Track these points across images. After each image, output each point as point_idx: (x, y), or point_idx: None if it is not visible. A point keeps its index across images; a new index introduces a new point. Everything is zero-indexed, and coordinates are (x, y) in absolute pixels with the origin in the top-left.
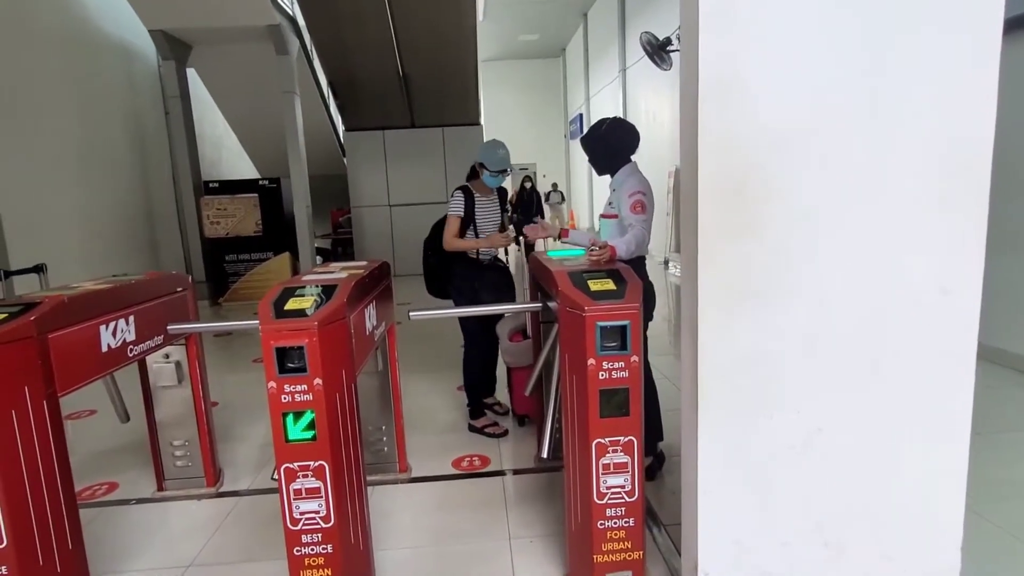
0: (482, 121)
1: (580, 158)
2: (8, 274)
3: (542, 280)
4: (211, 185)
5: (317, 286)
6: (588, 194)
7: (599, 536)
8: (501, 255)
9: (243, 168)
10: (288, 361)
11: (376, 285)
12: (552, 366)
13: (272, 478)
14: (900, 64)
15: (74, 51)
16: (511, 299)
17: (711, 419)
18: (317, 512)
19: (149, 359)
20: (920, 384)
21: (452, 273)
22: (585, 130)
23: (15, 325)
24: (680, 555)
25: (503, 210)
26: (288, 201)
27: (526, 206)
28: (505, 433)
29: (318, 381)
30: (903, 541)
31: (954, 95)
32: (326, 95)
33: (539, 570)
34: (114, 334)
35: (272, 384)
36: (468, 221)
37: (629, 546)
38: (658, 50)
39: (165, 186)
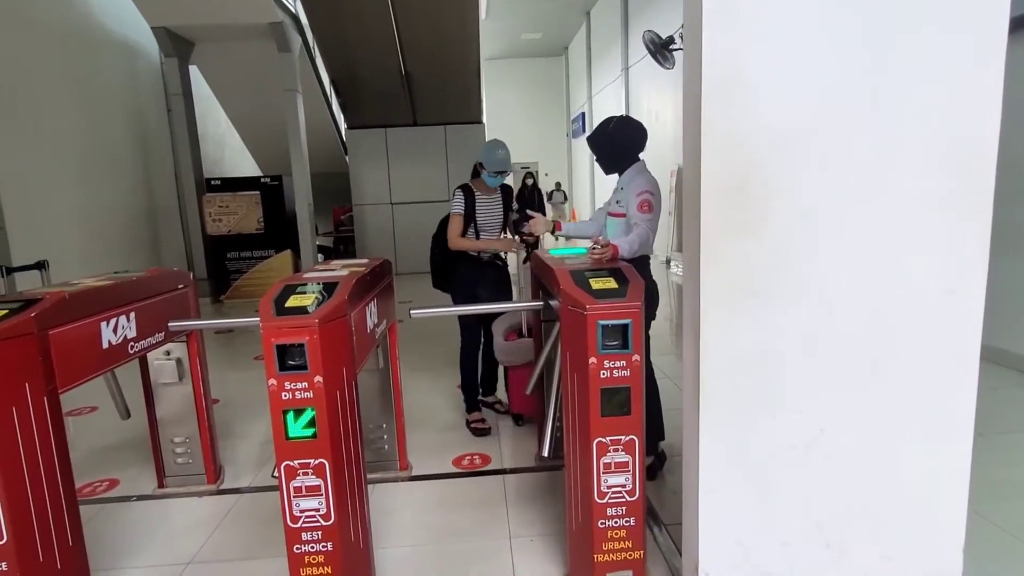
0: (484, 119)
1: (582, 157)
2: (10, 271)
3: (544, 278)
4: (213, 182)
5: (318, 283)
6: (590, 193)
7: (600, 535)
8: (502, 253)
9: (245, 166)
10: (289, 358)
11: (377, 283)
12: (553, 365)
13: (272, 475)
14: (903, 63)
15: (77, 48)
16: (508, 298)
17: (713, 419)
18: (317, 510)
19: (150, 356)
20: (922, 384)
21: (454, 269)
22: (587, 129)
23: (16, 321)
24: (681, 555)
25: (509, 208)
26: (290, 199)
27: (527, 204)
28: (488, 432)
29: (319, 379)
30: (904, 542)
31: (958, 94)
32: (328, 93)
33: (539, 569)
34: (115, 331)
35: (273, 381)
36: (469, 219)
37: (630, 545)
38: (661, 49)
39: (167, 183)
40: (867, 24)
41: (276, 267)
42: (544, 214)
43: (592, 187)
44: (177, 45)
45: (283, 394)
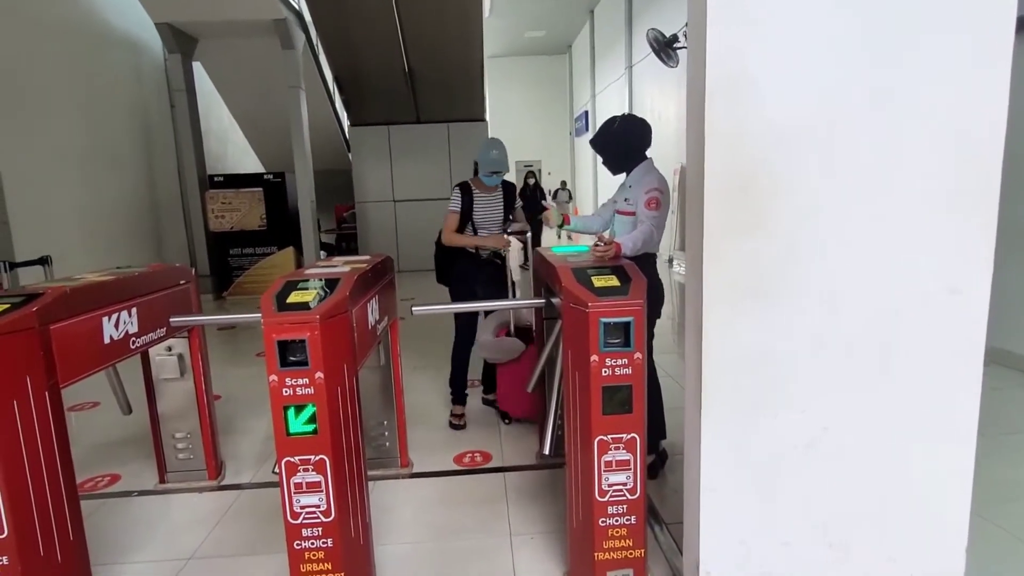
0: (487, 117)
1: (585, 156)
2: (13, 266)
3: (546, 276)
4: (216, 179)
5: (320, 279)
6: (593, 191)
7: (600, 533)
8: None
9: (248, 163)
10: (290, 354)
11: (379, 279)
12: (555, 362)
13: (273, 472)
14: (909, 62)
15: (80, 44)
16: (502, 295)
17: (714, 417)
18: (317, 506)
19: (152, 351)
20: (927, 384)
21: (452, 266)
22: (590, 128)
23: (17, 316)
24: (682, 554)
25: (511, 206)
26: (293, 196)
27: (529, 203)
28: (462, 428)
29: (320, 375)
30: (908, 543)
31: (964, 93)
32: (331, 90)
33: (540, 567)
34: (116, 326)
35: (273, 377)
36: (467, 217)
37: (630, 544)
38: (665, 47)
39: (170, 180)
40: (872, 23)
41: (279, 264)
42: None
43: (595, 186)
44: (181, 41)
45: (284, 390)
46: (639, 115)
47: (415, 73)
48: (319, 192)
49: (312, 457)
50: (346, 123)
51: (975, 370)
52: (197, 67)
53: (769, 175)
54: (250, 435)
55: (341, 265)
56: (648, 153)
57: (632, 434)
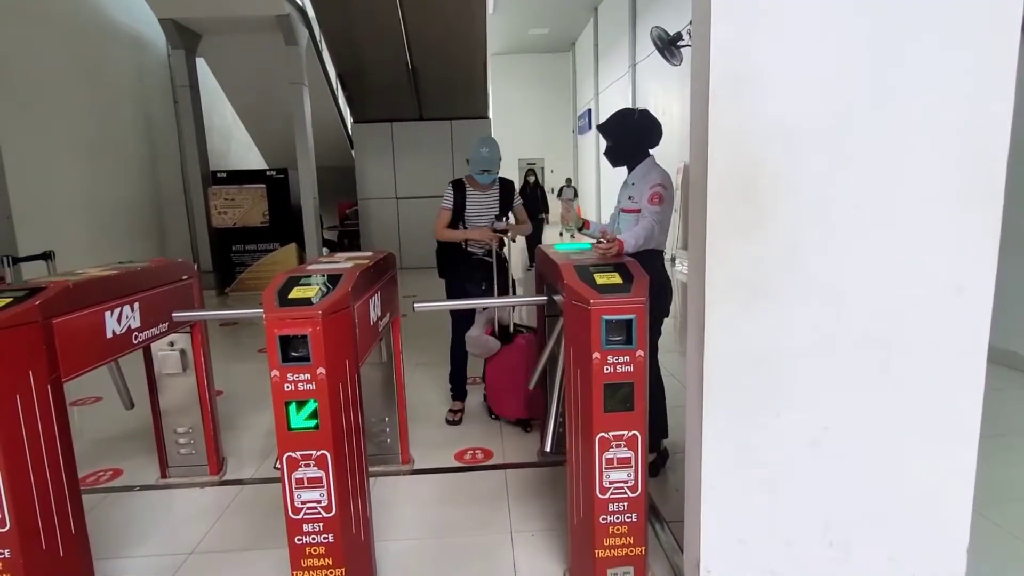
0: (490, 115)
1: (588, 154)
2: (16, 260)
3: (548, 273)
4: (219, 175)
5: (322, 275)
6: (596, 190)
7: (601, 531)
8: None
9: (251, 159)
10: (292, 350)
11: (381, 276)
12: (557, 360)
13: (275, 467)
14: (915, 60)
15: (84, 40)
16: (488, 293)
17: (716, 416)
18: (319, 501)
19: (154, 346)
20: (929, 384)
21: (446, 263)
22: (593, 126)
23: (20, 309)
24: (682, 552)
25: (508, 203)
26: (295, 192)
27: (530, 201)
28: (457, 423)
29: (321, 370)
30: (909, 542)
31: (970, 92)
32: (335, 86)
33: (540, 564)
34: (119, 320)
35: (275, 372)
36: (459, 213)
37: (631, 541)
38: (669, 45)
39: (173, 175)
40: (879, 20)
41: (281, 260)
42: (546, 211)
43: (598, 184)
44: (184, 37)
45: (286, 385)
46: None
47: (418, 70)
48: (322, 189)
49: (313, 452)
50: (349, 120)
51: (978, 370)
52: (201, 63)
53: (773, 173)
54: (252, 431)
55: (343, 261)
56: (651, 152)
57: (633, 431)
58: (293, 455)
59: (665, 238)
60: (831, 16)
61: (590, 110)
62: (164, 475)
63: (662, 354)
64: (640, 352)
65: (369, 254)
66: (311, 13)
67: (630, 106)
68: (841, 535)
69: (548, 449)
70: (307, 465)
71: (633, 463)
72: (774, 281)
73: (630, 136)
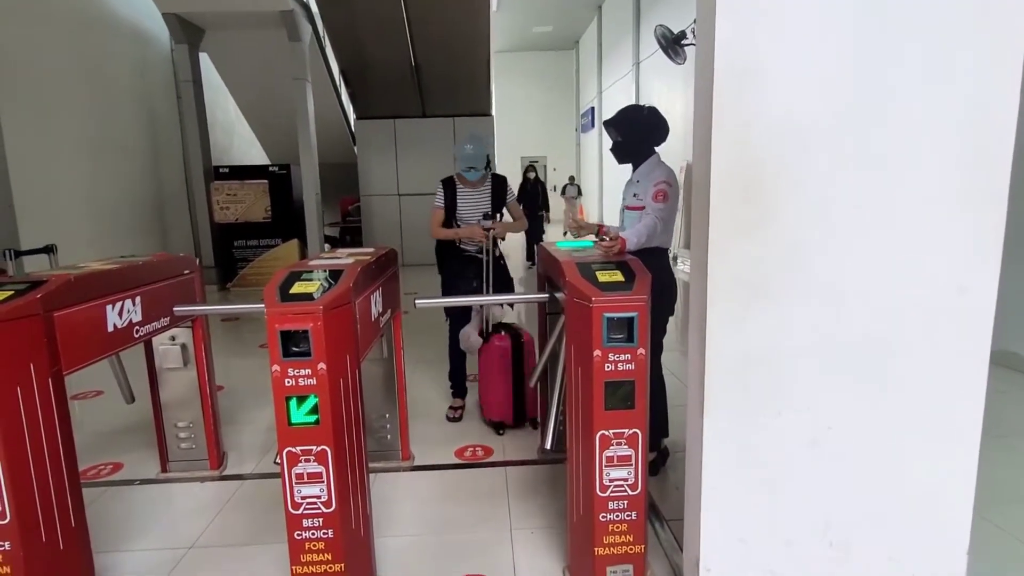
0: (493, 112)
1: (591, 152)
2: (18, 254)
3: (550, 271)
4: (221, 170)
5: (324, 271)
6: (598, 188)
7: (600, 529)
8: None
9: (254, 155)
10: (292, 345)
11: (383, 272)
12: (558, 357)
13: (275, 462)
14: (921, 58)
15: (87, 33)
16: (480, 290)
17: (717, 415)
18: (318, 497)
19: (155, 341)
20: (930, 384)
21: (441, 261)
22: (596, 124)
23: (21, 302)
24: (682, 551)
25: (501, 200)
26: (298, 188)
27: (530, 198)
28: (457, 420)
29: (322, 366)
30: (909, 543)
31: (975, 92)
32: (338, 83)
33: (539, 561)
34: (120, 314)
35: (276, 367)
36: (450, 212)
37: (631, 539)
38: (672, 44)
39: (176, 170)
40: (885, 17)
41: (283, 256)
42: (547, 209)
43: (600, 182)
44: (188, 32)
45: (286, 380)
46: None
47: (421, 67)
48: (324, 185)
49: (313, 448)
50: (352, 116)
51: (980, 370)
52: (204, 58)
53: (776, 172)
54: (252, 426)
55: (345, 257)
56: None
57: (634, 429)
58: (293, 450)
59: (669, 236)
60: (832, 16)
61: (593, 108)
62: (164, 469)
63: (664, 353)
64: (641, 350)
65: (371, 250)
66: (315, 9)
67: (635, 103)
68: (841, 535)
69: (548, 447)
70: (307, 460)
71: (633, 461)
72: (775, 281)
73: (637, 132)
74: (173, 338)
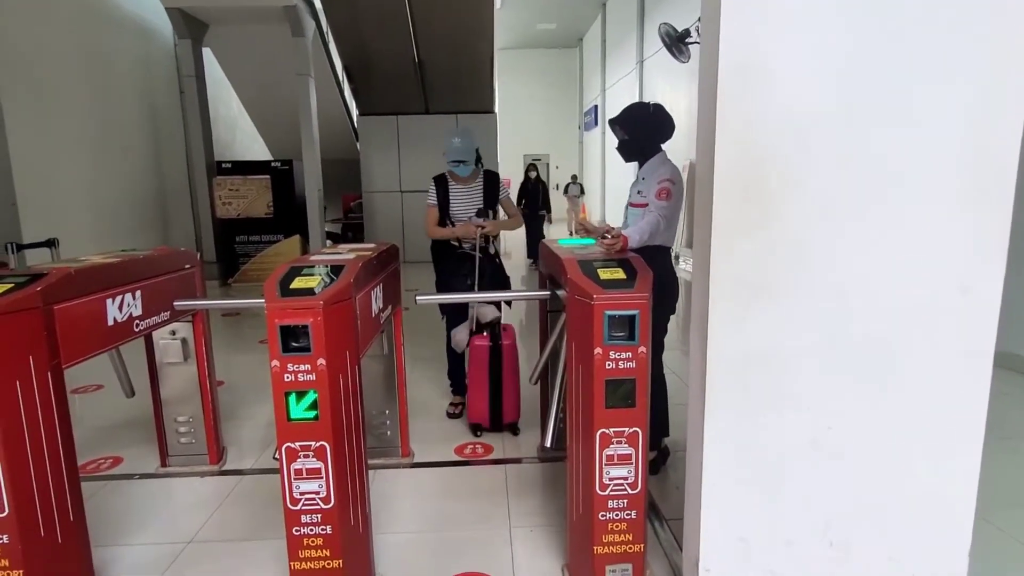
0: (496, 109)
1: (594, 150)
2: (20, 247)
3: (552, 268)
4: (224, 165)
5: (324, 266)
6: (600, 187)
7: (600, 527)
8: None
9: (256, 150)
10: (292, 340)
11: (384, 268)
12: (559, 355)
13: (274, 457)
14: (926, 58)
15: (91, 28)
16: (472, 288)
17: (718, 415)
18: (317, 492)
19: (155, 335)
20: (935, 385)
21: (436, 258)
22: (599, 122)
23: (21, 295)
24: (681, 550)
25: (494, 196)
26: (300, 184)
27: (531, 197)
28: (457, 417)
29: (322, 361)
30: (910, 544)
31: (982, 91)
32: (341, 79)
33: (538, 560)
34: (120, 308)
35: (276, 362)
36: (443, 209)
37: (630, 538)
38: (676, 42)
39: (178, 165)
40: (889, 17)
41: (285, 252)
42: (548, 208)
43: (603, 180)
44: (191, 27)
45: (286, 375)
46: None
47: (425, 63)
48: (326, 181)
49: (313, 443)
50: (355, 112)
51: (984, 371)
52: (207, 53)
53: (780, 170)
54: (252, 421)
55: (346, 252)
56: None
57: (634, 428)
58: (292, 446)
59: (672, 234)
60: (838, 15)
61: (596, 106)
62: (164, 464)
63: (665, 352)
64: (643, 348)
65: (372, 246)
66: (318, 5)
67: (640, 101)
68: (841, 535)
69: (548, 445)
70: (306, 456)
71: (634, 460)
72: (777, 280)
73: (643, 130)
74: (173, 332)
